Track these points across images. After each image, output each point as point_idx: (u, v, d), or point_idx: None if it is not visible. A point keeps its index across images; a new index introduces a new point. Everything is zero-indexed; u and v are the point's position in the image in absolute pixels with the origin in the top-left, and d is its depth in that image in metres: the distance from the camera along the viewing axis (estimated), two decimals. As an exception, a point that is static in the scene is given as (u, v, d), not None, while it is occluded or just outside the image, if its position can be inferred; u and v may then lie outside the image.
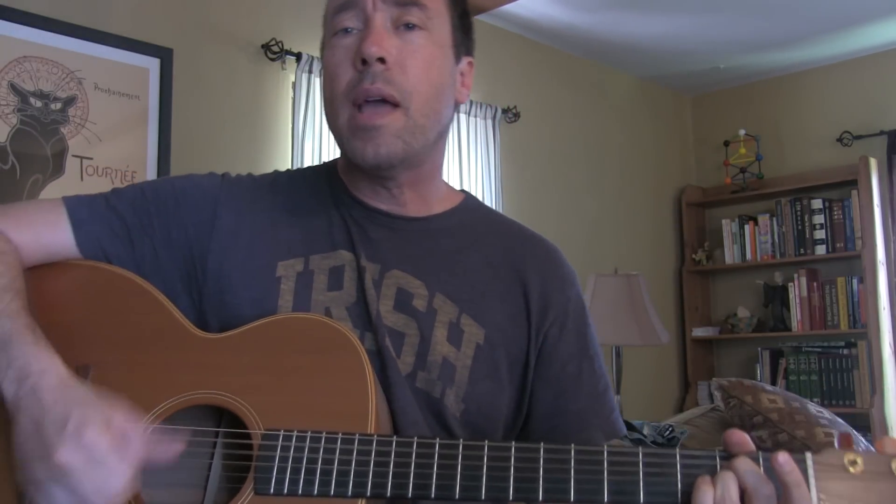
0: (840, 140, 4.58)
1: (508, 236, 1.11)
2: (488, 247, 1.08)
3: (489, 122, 3.87)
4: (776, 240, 4.66)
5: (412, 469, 0.82)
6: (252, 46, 3.18)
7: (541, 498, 0.80)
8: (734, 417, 2.59)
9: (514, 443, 0.82)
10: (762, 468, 0.76)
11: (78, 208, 1.02)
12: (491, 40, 3.96)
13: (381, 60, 0.95)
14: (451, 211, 1.09)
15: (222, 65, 3.09)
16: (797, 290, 4.54)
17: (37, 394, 0.82)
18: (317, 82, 3.22)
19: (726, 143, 4.89)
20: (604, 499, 0.78)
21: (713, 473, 0.77)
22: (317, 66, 3.23)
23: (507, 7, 3.74)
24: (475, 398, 0.99)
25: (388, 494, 0.82)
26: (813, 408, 2.57)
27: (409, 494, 0.82)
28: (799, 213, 4.57)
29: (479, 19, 3.75)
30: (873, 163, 4.28)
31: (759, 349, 4.68)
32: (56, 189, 2.64)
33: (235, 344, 0.93)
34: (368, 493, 0.82)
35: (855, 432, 2.64)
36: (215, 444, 0.90)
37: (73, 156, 2.70)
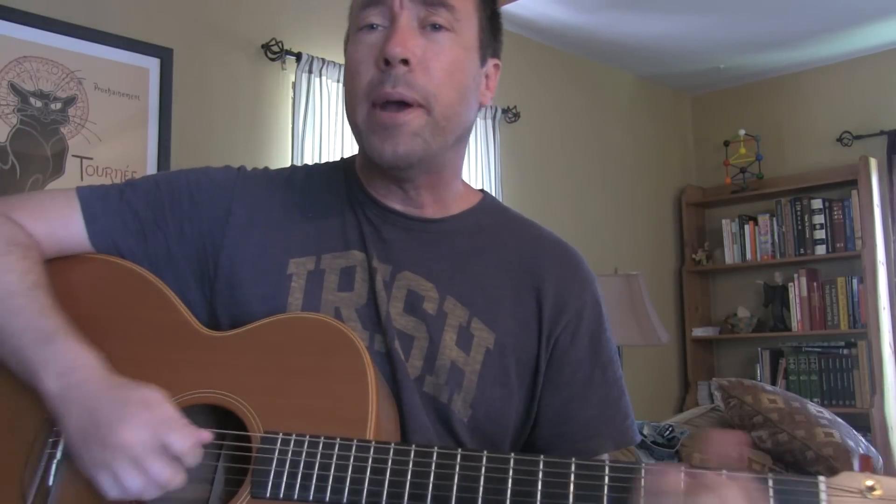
0: (840, 140, 4.58)
1: (526, 239, 1.08)
2: (504, 249, 1.05)
3: (489, 121, 3.87)
4: (776, 240, 4.66)
5: (408, 478, 0.81)
6: (252, 46, 3.18)
7: None
8: (734, 417, 2.59)
9: (513, 455, 0.81)
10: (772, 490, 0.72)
11: (91, 202, 1.02)
12: (491, 40, 3.95)
13: (405, 62, 0.93)
14: (467, 212, 1.07)
15: (222, 65, 3.09)
16: (797, 290, 4.54)
17: (86, 385, 0.86)
18: (317, 82, 3.22)
19: (726, 143, 4.88)
20: None
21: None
22: (317, 66, 3.23)
23: (507, 7, 3.74)
24: (483, 404, 0.98)
25: (384, 502, 0.82)
26: (813, 408, 2.58)
27: (405, 502, 0.81)
28: (799, 213, 4.57)
29: (479, 19, 3.73)
30: (873, 163, 4.28)
31: (759, 349, 4.68)
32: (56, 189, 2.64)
33: (240, 343, 0.93)
34: (364, 501, 0.82)
35: (873, 450, 2.62)
36: (221, 445, 0.90)
37: (73, 156, 2.70)
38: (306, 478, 0.83)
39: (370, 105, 0.95)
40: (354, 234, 1.02)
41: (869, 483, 0.70)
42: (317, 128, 3.19)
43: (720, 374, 4.84)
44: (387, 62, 0.93)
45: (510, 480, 0.80)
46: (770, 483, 0.73)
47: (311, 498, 0.82)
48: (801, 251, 4.55)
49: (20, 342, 0.90)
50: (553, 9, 3.93)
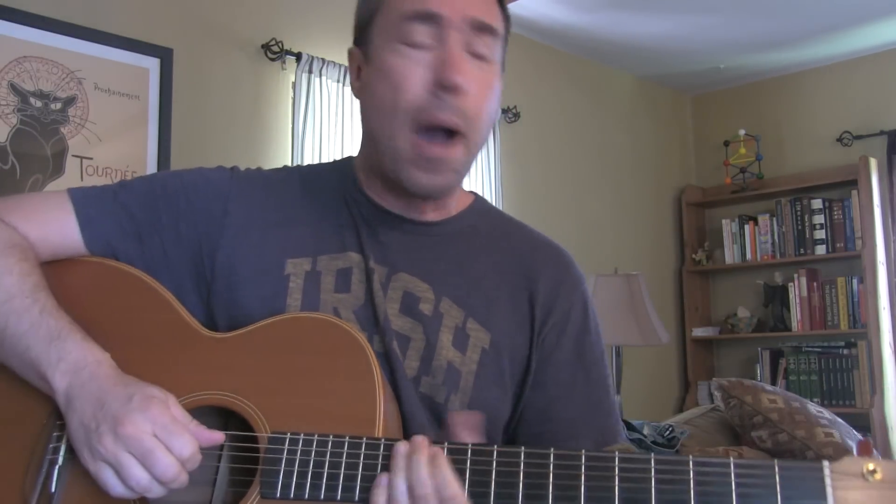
0: (840, 140, 4.58)
1: (519, 241, 1.09)
2: (498, 251, 1.06)
3: (489, 122, 3.87)
4: (776, 240, 4.66)
5: None
6: (252, 46, 3.18)
7: None
8: (734, 417, 2.59)
9: (523, 448, 0.81)
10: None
11: (86, 205, 1.01)
12: (491, 40, 3.95)
13: (459, 90, 0.93)
14: (462, 214, 1.08)
15: (222, 65, 3.09)
16: (797, 290, 4.54)
17: (96, 380, 0.86)
18: (317, 82, 3.22)
19: (726, 143, 4.88)
20: None
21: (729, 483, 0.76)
22: (317, 66, 3.23)
23: (508, 7, 3.74)
24: (480, 403, 0.98)
25: None
26: (813, 408, 2.57)
27: None
28: (799, 213, 4.57)
29: (479, 19, 3.74)
30: (873, 163, 4.28)
31: (759, 349, 4.68)
32: (56, 189, 2.63)
33: (243, 344, 0.93)
34: None
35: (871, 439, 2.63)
36: (223, 445, 0.90)
37: (73, 156, 2.70)
38: (316, 477, 0.83)
39: (414, 130, 0.94)
40: (351, 235, 1.02)
41: (870, 467, 0.73)
42: (317, 128, 3.19)
43: (720, 374, 4.84)
44: (445, 88, 0.92)
45: (521, 474, 0.80)
46: (776, 468, 0.75)
47: (321, 497, 0.82)
48: (801, 251, 4.55)
49: (26, 342, 0.90)
50: (553, 9, 3.93)
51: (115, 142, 2.79)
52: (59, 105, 2.68)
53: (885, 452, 3.82)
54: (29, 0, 2.62)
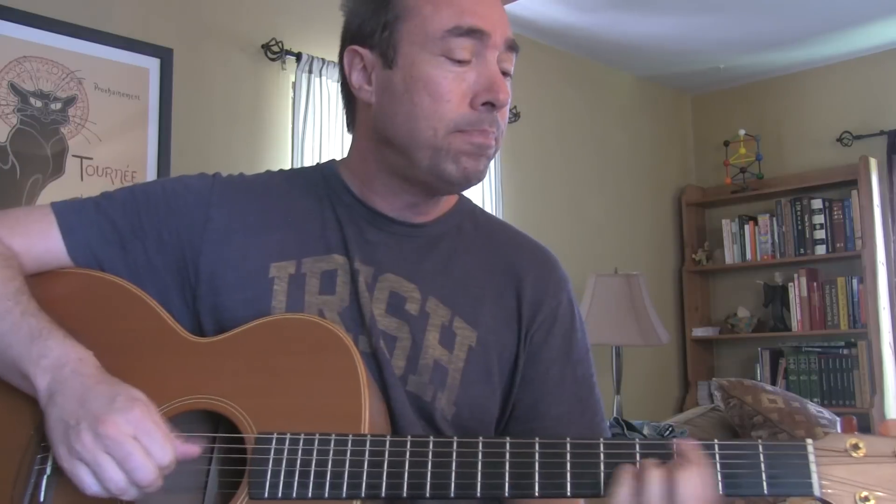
0: (840, 140, 4.58)
1: (504, 240, 1.11)
2: (483, 250, 1.08)
3: (489, 122, 3.87)
4: (776, 240, 4.66)
5: (406, 468, 0.82)
6: (252, 46, 3.18)
7: (537, 493, 0.79)
8: (734, 417, 2.59)
9: (508, 439, 0.82)
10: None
11: (68, 215, 1.02)
12: (491, 40, 3.95)
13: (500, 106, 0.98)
14: (448, 214, 1.09)
15: (222, 65, 3.09)
16: (797, 290, 4.54)
17: (78, 376, 0.85)
18: (317, 82, 3.22)
19: (726, 143, 4.88)
20: (600, 492, 0.78)
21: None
22: (317, 66, 3.23)
23: (507, 7, 3.74)
24: (467, 401, 0.99)
25: (384, 495, 0.82)
26: (813, 408, 2.58)
27: (405, 494, 0.81)
28: (799, 213, 4.57)
29: (479, 19, 3.74)
30: (873, 163, 4.28)
31: (759, 349, 4.68)
32: (56, 189, 2.64)
33: (227, 347, 0.93)
34: (363, 494, 0.82)
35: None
36: (213, 448, 0.90)
37: (73, 156, 2.70)
38: (304, 475, 0.83)
39: (455, 130, 0.97)
40: (335, 237, 1.03)
41: (853, 441, 0.75)
42: (317, 128, 3.19)
43: (720, 374, 4.84)
44: (491, 104, 0.97)
45: (507, 464, 0.80)
46: (760, 448, 0.77)
47: (309, 495, 0.82)
48: (801, 251, 4.55)
49: (7, 341, 0.90)
50: (553, 9, 3.93)
51: (115, 142, 2.79)
52: (59, 105, 2.68)
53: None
54: (29, 0, 2.62)
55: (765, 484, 0.76)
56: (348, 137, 1.08)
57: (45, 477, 0.88)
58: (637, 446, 0.79)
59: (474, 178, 1.00)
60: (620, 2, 3.87)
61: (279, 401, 0.88)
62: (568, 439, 0.81)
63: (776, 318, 4.62)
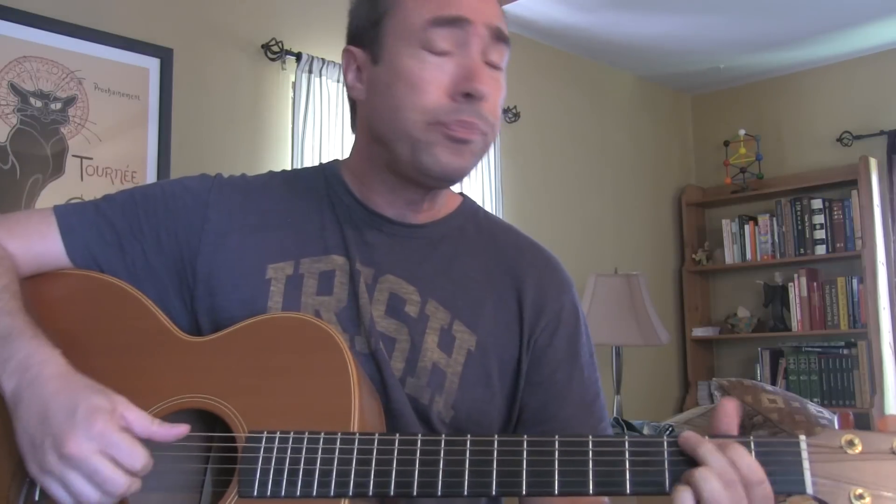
0: (840, 140, 4.58)
1: (506, 243, 1.10)
2: (485, 253, 1.07)
3: (489, 122, 3.87)
4: (776, 240, 4.66)
5: (394, 466, 0.81)
6: (252, 46, 3.18)
7: (524, 491, 0.79)
8: (734, 417, 2.59)
9: (496, 437, 0.81)
10: (753, 454, 0.75)
11: (68, 217, 1.02)
12: (491, 40, 3.95)
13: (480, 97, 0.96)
14: (449, 216, 1.08)
15: (222, 65, 3.09)
16: (797, 290, 4.54)
17: (40, 383, 0.83)
18: (317, 82, 3.22)
19: (726, 143, 4.88)
20: (589, 490, 0.77)
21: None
22: (317, 66, 3.23)
23: (507, 7, 3.74)
24: (465, 405, 0.99)
25: (371, 493, 0.82)
26: (813, 408, 2.58)
27: (392, 492, 0.81)
28: (799, 213, 4.57)
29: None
30: (873, 163, 4.28)
31: (759, 349, 4.68)
32: (56, 189, 2.64)
33: (221, 346, 0.93)
34: (351, 493, 0.82)
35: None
36: (209, 448, 0.90)
37: (73, 156, 2.70)
38: (293, 474, 0.83)
39: (434, 122, 0.95)
40: (335, 238, 1.02)
41: (848, 438, 0.72)
42: (317, 128, 3.19)
43: (720, 374, 4.84)
44: (469, 96, 0.94)
45: (495, 462, 0.80)
46: (753, 445, 0.75)
47: (298, 494, 0.82)
48: (801, 251, 4.55)
49: None
50: (553, 9, 3.93)
51: (115, 142, 2.79)
52: (59, 105, 2.68)
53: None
54: (29, 0, 2.62)
55: None
56: (349, 137, 1.08)
57: (38, 489, 0.87)
58: (626, 443, 0.78)
59: (455, 174, 0.98)
60: (620, 2, 3.87)
61: (270, 399, 0.88)
62: (556, 437, 0.80)
63: (776, 318, 4.62)
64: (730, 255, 4.83)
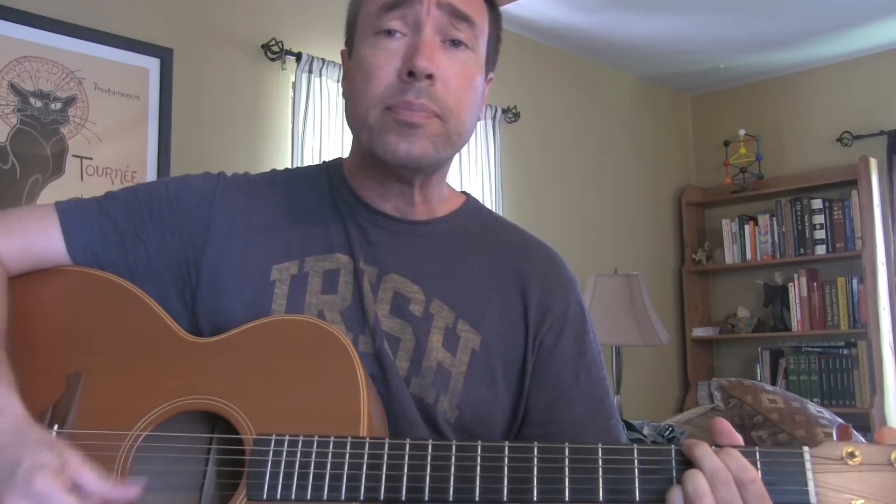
0: (840, 140, 4.58)
1: (510, 241, 1.09)
2: (489, 252, 1.06)
3: (489, 122, 3.87)
4: (776, 240, 4.66)
5: (405, 471, 0.81)
6: (252, 46, 3.18)
7: (535, 498, 0.79)
8: (734, 417, 2.59)
9: (507, 443, 0.81)
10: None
11: (70, 214, 1.01)
12: (491, 40, 3.95)
13: (429, 76, 0.93)
14: (452, 214, 1.08)
15: (222, 65, 3.09)
16: (797, 290, 4.54)
17: None
18: (317, 82, 3.22)
19: (726, 143, 4.89)
20: (599, 497, 0.78)
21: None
22: (317, 66, 3.23)
23: (507, 7, 3.74)
24: (469, 404, 0.98)
25: (382, 498, 0.81)
26: (813, 408, 2.57)
27: (403, 497, 0.81)
28: (799, 213, 4.57)
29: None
30: (873, 163, 4.28)
31: (759, 349, 4.68)
32: (56, 189, 2.64)
33: (226, 347, 0.93)
34: (362, 497, 0.81)
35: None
36: (209, 449, 0.90)
37: (73, 156, 2.70)
38: (302, 478, 0.82)
39: (384, 107, 0.94)
40: (339, 236, 1.02)
41: (849, 449, 0.75)
42: (317, 128, 3.19)
43: (720, 374, 4.84)
44: (412, 74, 0.92)
45: (506, 468, 0.80)
46: (757, 455, 0.76)
47: (308, 497, 0.82)
48: (801, 251, 4.55)
49: None
50: (553, 9, 3.93)
51: (115, 142, 2.79)
52: (59, 105, 2.68)
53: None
54: (29, 0, 2.62)
55: None
56: (348, 137, 1.08)
57: None
58: (636, 451, 0.78)
59: (412, 161, 0.95)
60: (620, 2, 3.87)
61: (277, 402, 0.87)
62: (567, 444, 0.80)
63: (776, 318, 4.62)
64: (730, 255, 4.83)
